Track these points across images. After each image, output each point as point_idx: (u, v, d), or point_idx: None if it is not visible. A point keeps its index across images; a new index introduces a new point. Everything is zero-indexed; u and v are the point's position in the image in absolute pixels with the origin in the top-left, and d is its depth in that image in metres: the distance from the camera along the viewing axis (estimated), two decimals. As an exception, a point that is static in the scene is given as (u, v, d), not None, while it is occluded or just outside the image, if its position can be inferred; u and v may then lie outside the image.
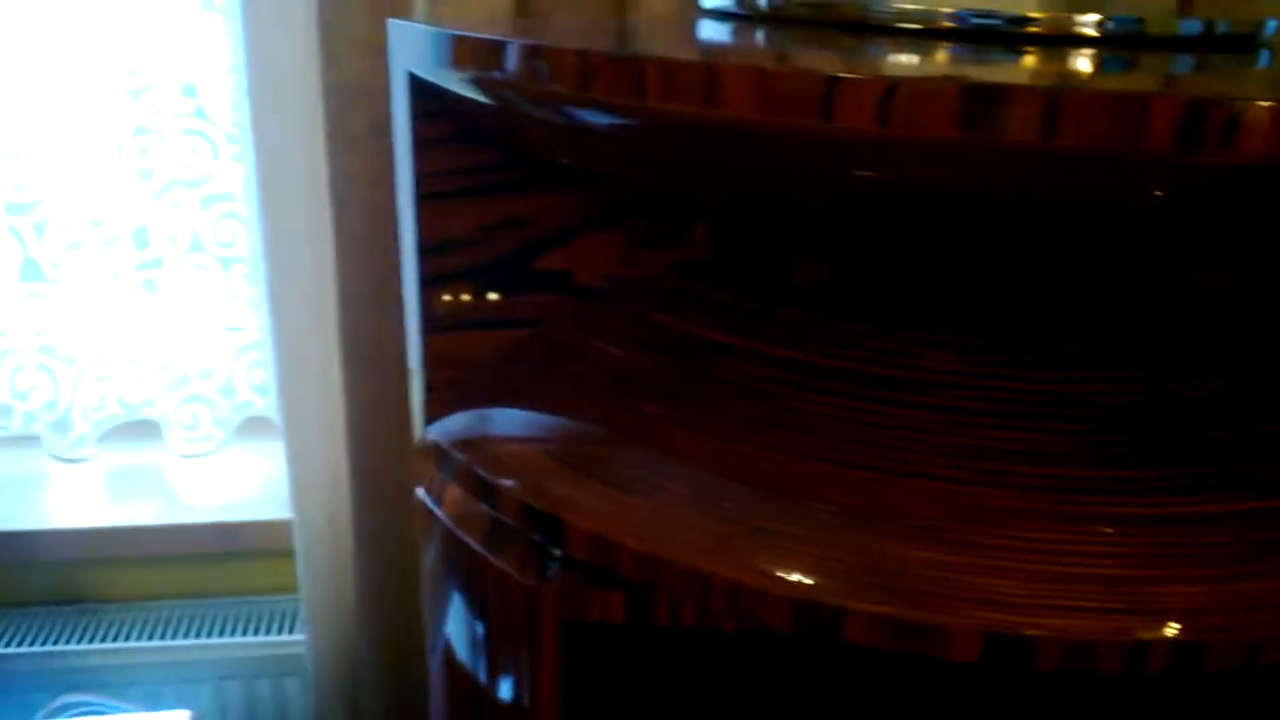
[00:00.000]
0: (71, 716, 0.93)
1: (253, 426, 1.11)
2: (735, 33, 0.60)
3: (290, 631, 1.03)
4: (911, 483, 0.48)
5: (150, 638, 1.02)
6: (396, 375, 0.92)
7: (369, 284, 0.89)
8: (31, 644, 1.00)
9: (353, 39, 0.82)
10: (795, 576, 0.45)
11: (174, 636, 1.03)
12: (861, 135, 0.38)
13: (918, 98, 0.37)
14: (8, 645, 0.99)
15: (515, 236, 0.62)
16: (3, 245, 0.99)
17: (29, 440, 1.09)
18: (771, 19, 0.59)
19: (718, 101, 0.40)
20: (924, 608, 0.43)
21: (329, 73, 0.83)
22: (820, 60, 0.49)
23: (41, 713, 0.92)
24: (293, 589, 1.01)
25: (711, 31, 0.62)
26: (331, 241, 0.87)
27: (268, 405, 1.10)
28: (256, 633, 1.04)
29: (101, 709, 0.94)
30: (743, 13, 0.62)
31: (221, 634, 1.03)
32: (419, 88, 0.55)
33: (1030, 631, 0.41)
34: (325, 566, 0.96)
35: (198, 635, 1.03)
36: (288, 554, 1.01)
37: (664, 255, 0.65)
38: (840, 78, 0.37)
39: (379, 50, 0.83)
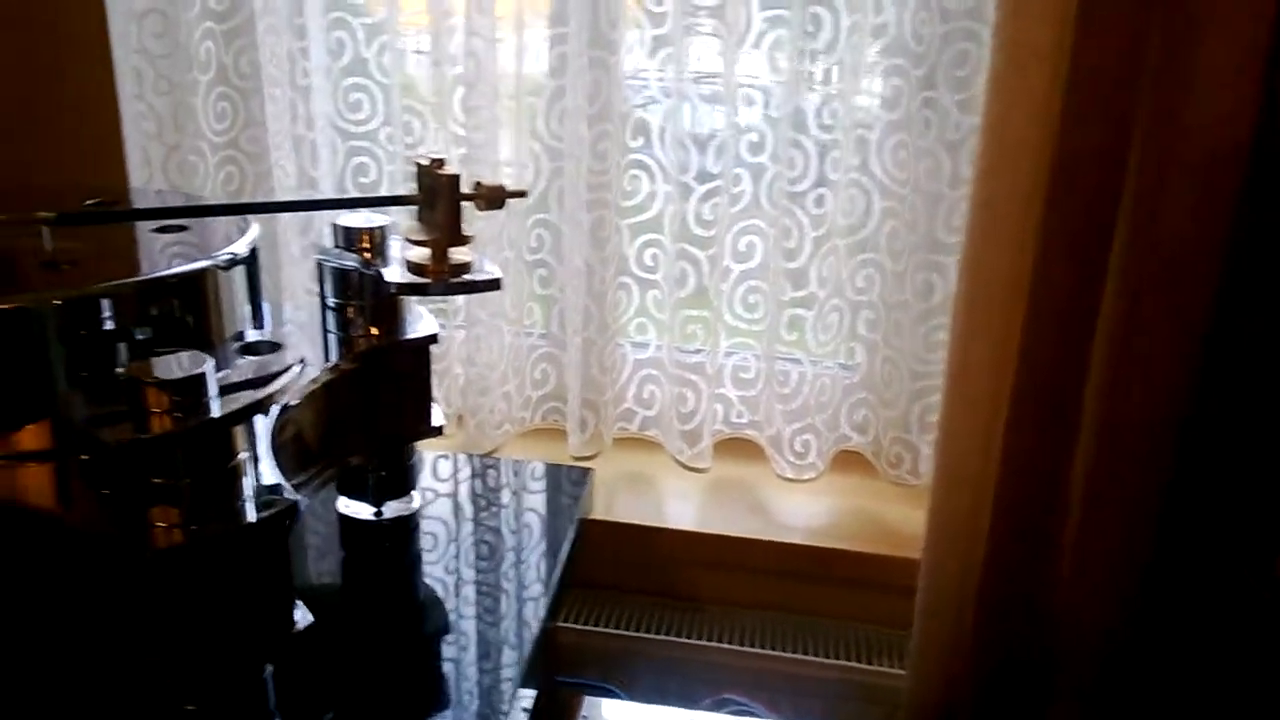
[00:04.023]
0: (731, 713, 1.02)
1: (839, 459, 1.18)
2: None
3: (879, 662, 1.08)
4: None
5: (738, 643, 1.10)
6: (1061, 442, 0.95)
7: (1058, 351, 0.92)
8: (646, 631, 1.11)
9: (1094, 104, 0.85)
10: None
11: (762, 647, 1.10)
12: None
13: None
14: (630, 629, 1.11)
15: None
16: (679, 273, 1.11)
17: (639, 443, 1.21)
18: None
19: None
20: None
21: (1066, 140, 0.87)
22: None
23: (707, 702, 1.01)
24: (884, 621, 1.07)
25: None
26: (1024, 306, 0.92)
27: (862, 442, 1.17)
28: (840, 657, 1.09)
29: (753, 711, 1.02)
30: None
31: (808, 652, 1.10)
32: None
33: None
34: (946, 609, 1.01)
35: (787, 649, 1.10)
36: (878, 586, 1.08)
37: None
38: None
39: (1119, 120, 0.86)
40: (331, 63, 1.08)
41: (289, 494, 0.62)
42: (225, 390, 0.60)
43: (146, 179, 1.04)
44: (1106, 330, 0.91)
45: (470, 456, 1.03)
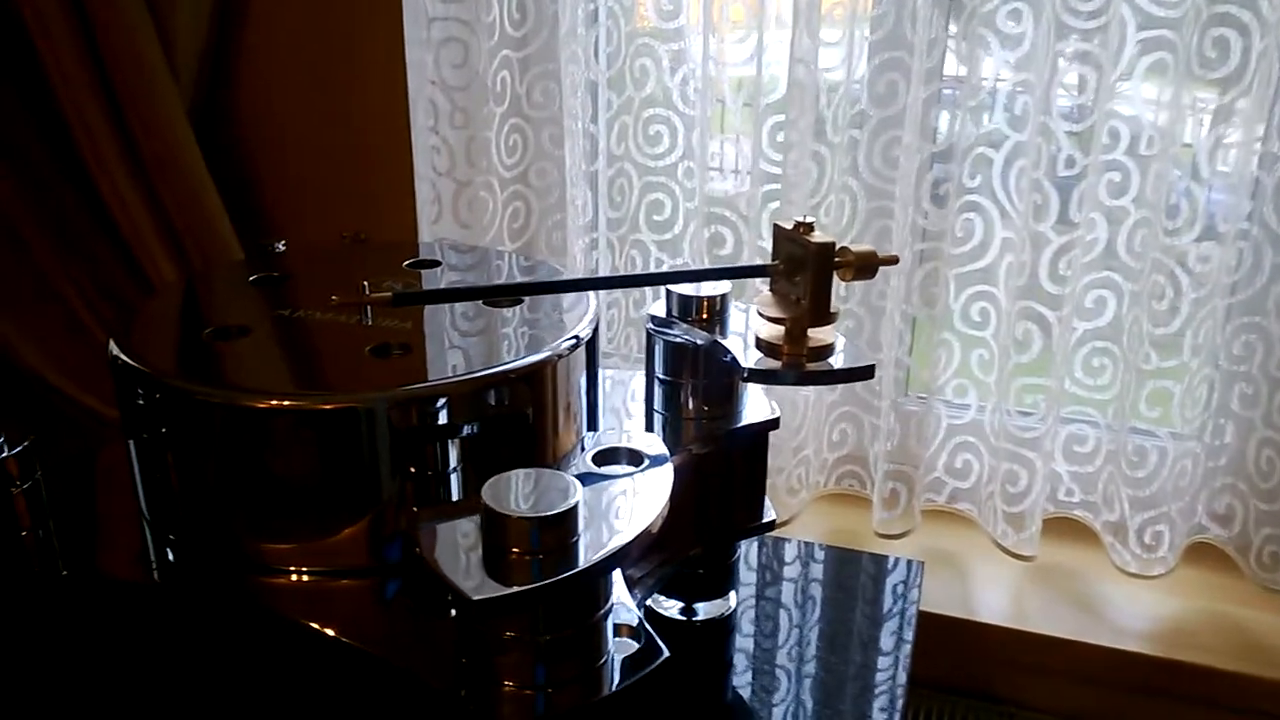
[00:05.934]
0: None
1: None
2: None
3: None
4: None
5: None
6: None
7: None
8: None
9: None
10: None
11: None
12: None
13: None
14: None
15: None
16: (1022, 333, 0.96)
17: (947, 517, 1.06)
18: None
19: None
20: None
21: None
22: None
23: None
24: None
25: None
26: None
27: (1222, 535, 0.99)
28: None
29: None
30: None
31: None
32: None
33: None
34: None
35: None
36: (1242, 711, 0.90)
37: None
38: None
39: None
40: (635, 93, 0.97)
41: (641, 623, 0.52)
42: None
43: (435, 216, 0.97)
44: None
45: (775, 541, 0.92)
